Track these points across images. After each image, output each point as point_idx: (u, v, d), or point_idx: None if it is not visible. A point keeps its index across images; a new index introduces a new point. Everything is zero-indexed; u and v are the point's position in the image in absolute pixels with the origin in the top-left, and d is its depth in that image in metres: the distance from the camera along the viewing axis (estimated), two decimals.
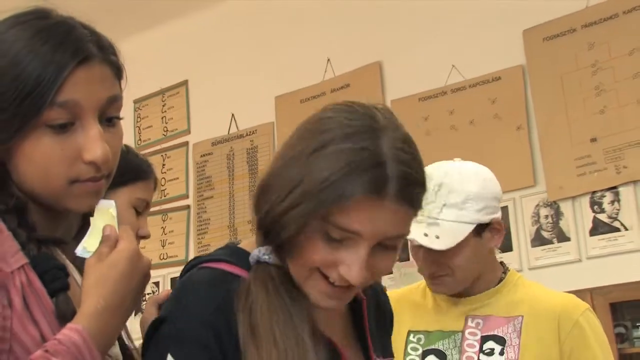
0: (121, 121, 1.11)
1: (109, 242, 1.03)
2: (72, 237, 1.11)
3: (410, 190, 1.05)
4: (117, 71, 1.07)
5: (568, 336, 1.74)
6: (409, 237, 1.75)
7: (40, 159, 1.00)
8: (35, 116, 0.98)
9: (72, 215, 1.09)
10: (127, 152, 1.51)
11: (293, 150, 1.08)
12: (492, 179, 1.88)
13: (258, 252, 1.10)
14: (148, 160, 1.71)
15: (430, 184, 1.80)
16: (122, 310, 1.01)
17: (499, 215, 1.86)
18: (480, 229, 1.80)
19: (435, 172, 1.81)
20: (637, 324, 2.95)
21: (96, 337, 0.96)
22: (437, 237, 1.76)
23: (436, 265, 1.81)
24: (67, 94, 0.99)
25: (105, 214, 1.07)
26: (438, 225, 1.77)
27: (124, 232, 1.04)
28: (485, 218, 1.80)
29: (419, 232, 1.76)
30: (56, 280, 1.01)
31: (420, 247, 1.80)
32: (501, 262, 1.94)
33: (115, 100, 1.06)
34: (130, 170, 1.58)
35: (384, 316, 1.25)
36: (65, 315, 0.99)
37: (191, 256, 4.15)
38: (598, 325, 1.82)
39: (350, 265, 1.03)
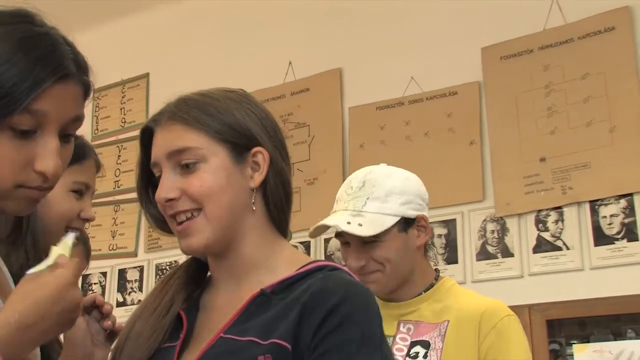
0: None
1: (54, 267, 1.05)
2: (4, 239, 1.13)
3: (180, 108, 1.26)
4: (87, 91, 1.11)
5: (486, 338, 1.78)
6: (331, 224, 1.81)
7: (6, 156, 1.01)
8: (3, 119, 0.99)
9: (3, 217, 1.11)
10: None
11: None
12: (416, 179, 1.97)
13: None
14: (85, 141, 1.63)
15: (355, 182, 1.88)
16: (36, 331, 1.00)
17: (425, 213, 1.91)
18: (407, 225, 1.86)
19: (359, 172, 1.91)
20: (571, 342, 3.02)
21: (2, 347, 0.96)
22: (360, 225, 1.81)
23: (364, 259, 1.85)
24: (40, 104, 1.01)
25: (65, 245, 1.10)
26: (362, 215, 1.83)
27: (68, 262, 1.06)
28: (409, 212, 1.87)
29: (342, 220, 1.82)
30: None
31: (348, 243, 1.84)
32: (436, 269, 1.98)
33: (78, 120, 1.09)
34: None
35: (313, 306, 1.18)
36: None
37: (141, 248, 4.16)
38: (518, 330, 1.84)
39: (158, 188, 1.25)
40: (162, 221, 1.31)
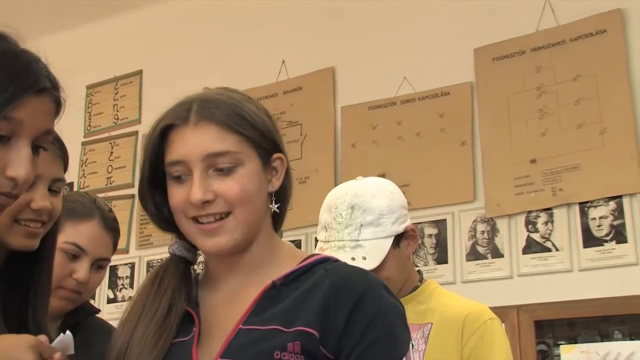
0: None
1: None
2: None
3: (213, 109, 1.24)
4: (58, 108, 1.13)
5: (468, 342, 1.81)
6: None
7: None
8: None
9: None
10: None
11: None
12: (396, 190, 1.97)
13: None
14: None
15: (343, 207, 1.89)
16: None
17: (409, 222, 1.94)
18: (398, 239, 1.89)
19: (344, 194, 1.91)
20: (558, 343, 3.04)
21: None
22: (364, 258, 1.83)
23: None
24: (17, 113, 1.04)
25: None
26: (361, 246, 1.85)
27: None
28: (400, 228, 1.89)
29: (346, 258, 1.81)
30: None
31: None
32: (419, 271, 2.01)
33: (49, 133, 1.12)
34: None
35: (336, 298, 1.23)
36: None
37: (132, 245, 4.16)
38: (500, 334, 1.88)
39: (193, 190, 1.22)
40: (162, 219, 1.33)
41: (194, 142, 1.23)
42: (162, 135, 1.28)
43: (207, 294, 1.32)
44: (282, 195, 1.33)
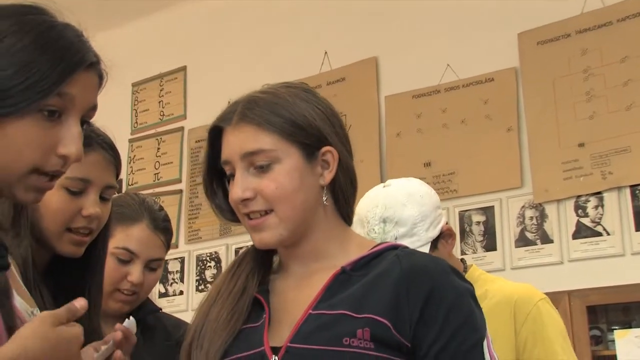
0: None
1: (72, 310, 1.05)
2: (9, 229, 1.16)
3: (251, 110, 1.28)
4: (101, 82, 1.14)
5: (522, 327, 1.80)
6: None
7: (23, 139, 1.03)
8: (36, 103, 1.02)
9: (6, 207, 1.14)
10: None
11: None
12: (427, 192, 1.90)
13: None
14: (93, 132, 1.52)
15: (374, 222, 1.85)
16: None
17: (444, 220, 1.90)
18: (435, 242, 1.85)
19: (374, 209, 1.85)
20: (612, 328, 3.01)
21: None
22: None
23: None
24: (70, 88, 1.05)
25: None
26: None
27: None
28: (434, 232, 1.85)
29: None
30: (0, 258, 1.05)
31: None
32: (462, 259, 1.99)
33: (95, 108, 1.12)
34: None
35: (408, 288, 1.22)
36: (1, 292, 1.03)
37: (181, 240, 4.21)
38: (553, 315, 1.86)
39: (233, 188, 1.28)
40: (227, 211, 1.36)
41: (233, 143, 1.28)
42: (216, 136, 1.33)
43: (277, 280, 1.34)
44: (343, 190, 1.33)
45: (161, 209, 1.86)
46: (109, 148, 1.51)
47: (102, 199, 1.48)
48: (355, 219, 1.89)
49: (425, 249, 1.82)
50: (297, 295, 1.28)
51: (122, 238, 1.71)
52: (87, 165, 1.44)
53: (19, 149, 1.03)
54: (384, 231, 1.83)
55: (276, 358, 1.20)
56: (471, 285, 1.26)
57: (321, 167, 1.30)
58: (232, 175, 1.30)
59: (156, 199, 1.93)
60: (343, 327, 1.18)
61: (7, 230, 1.13)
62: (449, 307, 1.19)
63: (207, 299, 1.33)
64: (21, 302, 1.11)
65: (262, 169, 1.26)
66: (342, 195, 1.33)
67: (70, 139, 1.06)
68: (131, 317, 1.27)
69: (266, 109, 1.28)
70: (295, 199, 1.26)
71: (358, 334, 1.16)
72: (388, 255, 1.26)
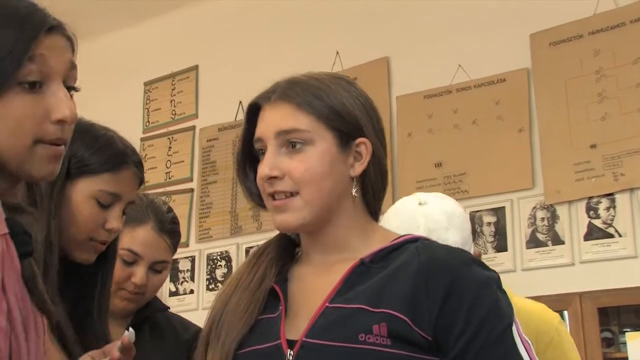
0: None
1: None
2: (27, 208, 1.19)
3: (292, 89, 1.28)
4: (72, 44, 1.14)
5: (545, 352, 1.80)
6: None
7: (13, 116, 1.04)
8: (12, 74, 1.03)
9: (18, 187, 1.15)
10: (101, 136, 1.50)
11: None
12: (463, 213, 1.89)
13: None
14: (128, 150, 1.54)
15: None
16: None
17: (474, 247, 1.91)
18: None
19: (416, 229, 1.81)
20: (624, 330, 3.00)
21: None
22: None
23: None
24: (37, 50, 1.06)
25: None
26: None
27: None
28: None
29: None
30: (25, 245, 1.06)
31: None
32: None
33: (74, 67, 1.13)
34: (91, 162, 1.48)
35: (426, 282, 1.20)
36: (28, 278, 1.04)
37: (192, 239, 4.22)
38: (569, 336, 1.91)
39: (261, 165, 1.27)
40: (257, 195, 1.34)
41: (269, 120, 1.27)
42: (253, 113, 1.32)
43: (299, 269, 1.33)
44: (373, 185, 1.31)
45: (169, 210, 1.86)
46: (140, 165, 1.55)
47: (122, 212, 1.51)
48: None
49: None
50: (314, 286, 1.26)
51: (128, 239, 1.72)
52: (120, 181, 1.49)
53: (13, 126, 1.03)
54: None
55: (292, 352, 1.19)
56: (496, 273, 1.24)
57: (354, 158, 1.28)
58: (263, 153, 1.28)
59: (167, 199, 1.94)
60: (359, 323, 1.16)
61: (32, 213, 1.14)
62: (472, 298, 1.17)
63: (226, 287, 1.32)
64: None
65: (294, 149, 1.25)
66: (372, 190, 1.31)
67: (58, 103, 1.07)
68: (130, 329, 1.27)
69: (307, 90, 1.27)
70: (322, 183, 1.25)
71: (374, 330, 1.14)
72: (408, 248, 1.24)
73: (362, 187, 1.30)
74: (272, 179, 1.25)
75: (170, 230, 1.83)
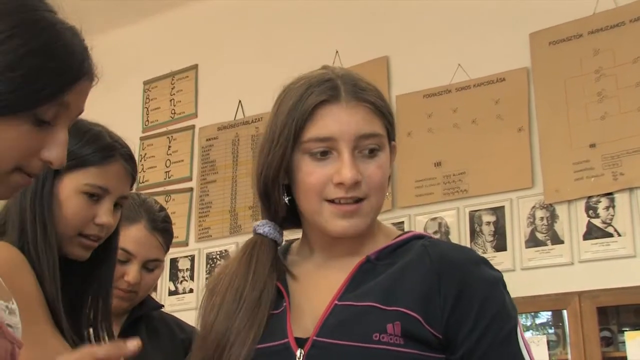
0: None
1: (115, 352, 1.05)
2: None
3: (361, 90, 1.23)
4: (91, 86, 1.12)
5: None
6: None
7: (9, 140, 1.01)
8: (34, 107, 1.00)
9: None
10: (88, 130, 1.48)
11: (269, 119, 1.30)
12: None
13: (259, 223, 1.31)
14: (117, 144, 1.52)
15: None
16: None
17: None
18: None
19: None
20: (623, 329, 3.00)
21: None
22: None
23: None
24: (68, 98, 1.03)
25: None
26: None
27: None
28: None
29: None
30: None
31: None
32: None
33: (81, 114, 1.11)
34: (79, 156, 1.46)
35: (439, 280, 1.20)
36: None
37: (191, 238, 4.22)
38: None
39: (341, 170, 1.19)
40: (283, 216, 1.30)
41: (348, 121, 1.21)
42: (309, 111, 1.22)
43: (297, 263, 1.31)
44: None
45: (162, 209, 1.87)
46: (130, 159, 1.53)
47: (114, 207, 1.50)
48: None
49: None
50: (318, 282, 1.25)
51: (120, 238, 1.73)
52: (108, 174, 1.47)
53: (5, 149, 1.01)
54: None
55: (302, 351, 1.17)
56: (500, 273, 1.24)
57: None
58: (323, 154, 1.21)
59: (166, 198, 1.94)
60: (372, 321, 1.15)
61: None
62: (482, 298, 1.18)
63: (225, 302, 1.25)
64: None
65: (371, 154, 1.22)
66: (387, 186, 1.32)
67: (55, 145, 1.04)
68: (137, 340, 1.27)
69: (373, 93, 1.25)
70: (385, 189, 1.25)
71: (389, 329, 1.14)
72: (414, 245, 1.24)
73: None
74: (356, 183, 1.20)
75: (162, 228, 1.83)
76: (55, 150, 1.04)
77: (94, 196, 1.46)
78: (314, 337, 1.17)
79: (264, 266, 1.27)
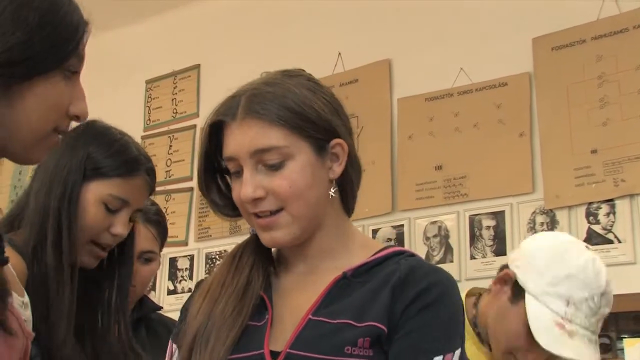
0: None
1: None
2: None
3: (258, 104, 1.23)
4: None
5: None
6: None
7: (52, 99, 1.06)
8: (66, 60, 1.06)
9: None
10: (116, 141, 1.53)
11: None
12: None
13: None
14: (143, 157, 1.58)
15: (597, 292, 1.79)
16: None
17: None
18: None
19: (600, 276, 1.82)
20: (622, 336, 2.99)
21: None
22: None
23: None
24: (82, 47, 1.10)
25: None
26: (596, 342, 1.81)
27: None
28: None
29: (595, 356, 1.78)
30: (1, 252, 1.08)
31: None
32: None
33: None
34: (105, 165, 1.52)
35: (402, 289, 1.22)
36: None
37: (191, 237, 4.21)
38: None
39: (243, 187, 1.22)
40: (224, 206, 1.32)
41: (241, 139, 1.22)
42: (215, 130, 1.27)
43: (282, 278, 1.31)
44: (350, 183, 1.31)
45: (153, 203, 1.90)
46: (153, 174, 1.59)
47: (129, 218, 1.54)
48: (567, 271, 1.80)
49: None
50: (299, 297, 1.26)
51: (121, 187, 1.74)
52: (131, 187, 1.52)
53: (46, 109, 1.05)
54: (600, 307, 1.81)
55: None
56: (461, 301, 1.24)
57: (330, 160, 1.27)
58: (237, 173, 1.25)
59: (166, 197, 1.96)
60: (345, 336, 1.16)
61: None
62: (424, 306, 1.17)
63: (209, 293, 1.28)
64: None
65: (274, 167, 1.21)
66: (350, 188, 1.31)
67: (79, 99, 1.09)
68: None
69: (274, 102, 1.23)
70: (308, 196, 1.22)
71: (359, 343, 1.15)
72: (390, 264, 1.24)
73: (341, 187, 1.29)
74: (256, 200, 1.22)
75: (155, 220, 1.84)
76: (80, 104, 1.09)
77: (114, 207, 1.49)
78: (287, 350, 1.18)
79: (248, 256, 1.30)
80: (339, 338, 1.16)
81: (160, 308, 1.95)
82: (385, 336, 1.16)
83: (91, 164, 1.48)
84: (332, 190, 1.26)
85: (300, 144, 1.23)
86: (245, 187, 1.22)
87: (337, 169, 1.27)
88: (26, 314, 1.14)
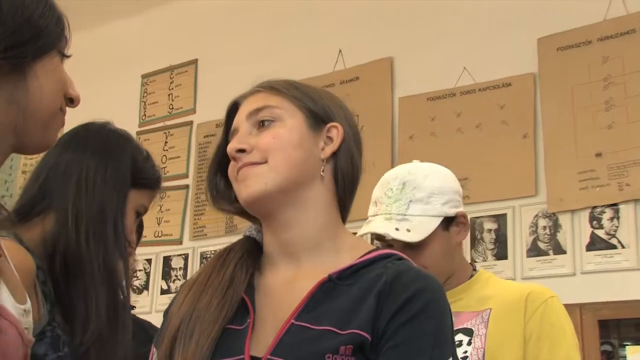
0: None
1: None
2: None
3: (265, 82, 1.32)
4: None
5: (530, 319, 1.80)
6: (381, 231, 1.80)
7: (59, 74, 1.08)
8: (59, 42, 1.08)
9: None
10: (147, 158, 1.64)
11: None
12: (451, 176, 1.98)
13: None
14: (161, 175, 1.73)
15: (394, 183, 1.90)
16: None
17: (462, 209, 1.94)
18: (447, 223, 1.89)
19: (395, 172, 1.93)
20: (624, 343, 2.94)
21: None
22: (409, 231, 1.83)
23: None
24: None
25: None
26: (407, 220, 1.85)
27: None
28: (450, 211, 1.89)
29: (390, 227, 1.83)
30: None
31: (391, 246, 1.83)
32: (470, 263, 2.03)
33: None
34: (148, 177, 1.64)
35: (388, 295, 1.19)
36: None
37: (186, 236, 4.15)
38: (563, 310, 1.87)
39: (231, 142, 1.26)
40: (220, 197, 1.33)
41: (243, 109, 1.30)
42: (232, 115, 1.33)
43: (265, 277, 1.28)
44: (343, 171, 1.29)
45: None
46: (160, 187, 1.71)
47: None
48: (377, 185, 1.95)
49: (436, 222, 1.85)
50: (283, 299, 1.22)
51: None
52: (153, 199, 1.66)
53: (56, 86, 1.07)
54: (401, 192, 1.88)
55: None
56: (448, 304, 1.21)
57: (324, 142, 1.27)
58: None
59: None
60: (327, 344, 1.13)
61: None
62: (412, 315, 1.14)
63: (193, 288, 1.27)
64: (7, 297, 1.06)
65: (264, 126, 1.25)
66: (342, 177, 1.28)
67: (71, 82, 1.11)
68: None
69: (282, 81, 1.31)
70: (290, 151, 1.23)
71: (341, 350, 1.12)
72: (377, 267, 1.21)
73: (334, 175, 1.28)
74: (240, 152, 1.24)
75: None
76: (74, 88, 1.11)
77: (139, 216, 1.61)
78: (268, 356, 1.15)
79: (235, 254, 1.30)
80: (320, 345, 1.13)
81: (133, 307, 1.94)
82: (369, 344, 1.13)
83: (137, 172, 1.58)
84: (322, 168, 1.26)
85: (294, 111, 1.27)
86: (233, 141, 1.26)
87: (328, 150, 1.27)
88: (28, 321, 1.09)
